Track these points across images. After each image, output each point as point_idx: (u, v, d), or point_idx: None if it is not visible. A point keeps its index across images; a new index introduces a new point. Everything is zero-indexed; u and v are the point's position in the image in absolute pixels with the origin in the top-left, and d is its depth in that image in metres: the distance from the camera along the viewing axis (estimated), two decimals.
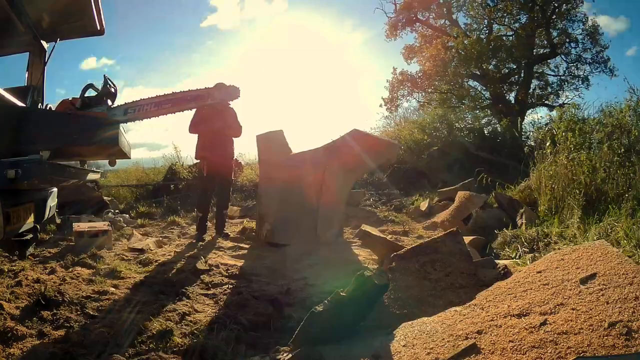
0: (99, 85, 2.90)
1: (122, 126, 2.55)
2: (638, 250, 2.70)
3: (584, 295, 1.56)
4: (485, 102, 13.45)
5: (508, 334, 1.52)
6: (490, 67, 12.91)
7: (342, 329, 1.88)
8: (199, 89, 3.19)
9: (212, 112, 4.44)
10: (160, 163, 9.48)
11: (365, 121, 26.28)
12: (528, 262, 2.89)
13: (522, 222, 4.29)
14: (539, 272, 1.80)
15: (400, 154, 8.60)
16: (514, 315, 1.60)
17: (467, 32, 13.26)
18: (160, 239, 4.61)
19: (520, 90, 12.84)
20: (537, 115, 11.90)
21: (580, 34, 12.69)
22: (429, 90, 13.92)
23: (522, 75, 13.08)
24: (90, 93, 2.91)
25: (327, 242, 4.02)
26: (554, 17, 12.47)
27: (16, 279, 2.80)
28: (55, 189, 3.02)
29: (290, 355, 1.78)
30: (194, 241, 4.40)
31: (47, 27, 3.08)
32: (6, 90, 2.30)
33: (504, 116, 10.79)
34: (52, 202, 2.98)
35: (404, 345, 1.67)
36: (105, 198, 6.78)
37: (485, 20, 13.31)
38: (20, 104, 2.43)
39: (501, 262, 2.77)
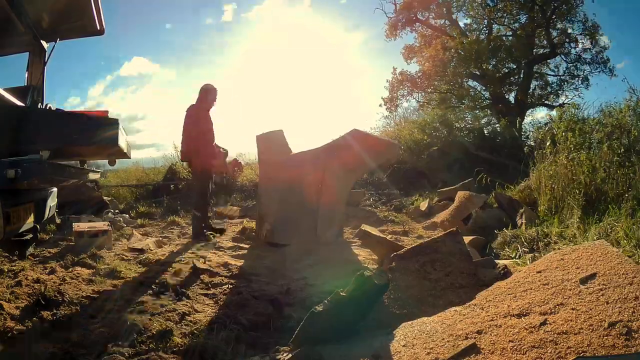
0: None
1: (122, 126, 2.55)
2: (638, 250, 2.70)
3: (584, 295, 1.56)
4: (485, 102, 13.46)
5: (508, 333, 1.52)
6: (490, 67, 12.92)
7: (342, 329, 1.88)
8: None
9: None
10: (160, 163, 9.48)
11: (365, 121, 26.28)
12: (528, 262, 2.89)
13: (522, 222, 4.29)
14: (539, 272, 1.80)
15: (400, 154, 8.59)
16: (514, 315, 1.60)
17: (467, 32, 13.29)
18: (160, 239, 4.61)
19: (520, 90, 12.85)
20: (537, 115, 11.92)
21: (580, 34, 12.71)
22: (429, 90, 13.93)
23: (522, 75, 13.08)
24: None
25: (327, 242, 4.02)
26: (553, 17, 12.48)
27: (16, 279, 2.80)
28: (55, 189, 3.02)
29: (290, 355, 1.78)
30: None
31: (47, 27, 3.07)
32: (6, 90, 2.30)
33: (503, 116, 10.80)
34: (52, 202, 2.98)
35: (404, 345, 1.67)
36: (105, 198, 6.78)
37: (485, 20, 13.33)
38: (20, 103, 2.43)
39: (501, 262, 2.77)
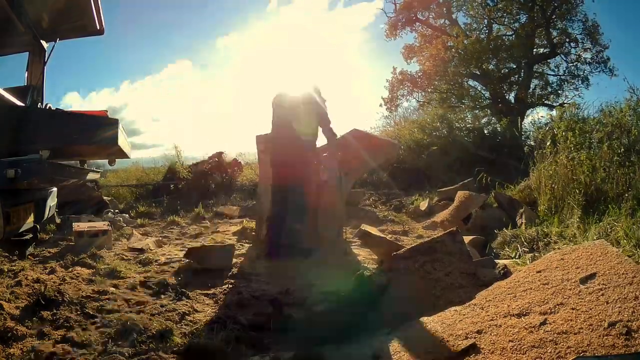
0: None
1: (122, 125, 2.55)
2: (638, 250, 2.70)
3: (584, 295, 1.56)
4: (485, 101, 13.46)
5: (508, 333, 1.52)
6: (490, 67, 12.93)
7: (342, 329, 1.88)
8: None
9: None
10: (160, 163, 9.48)
11: (365, 121, 26.25)
12: (528, 261, 2.89)
13: (521, 222, 4.29)
14: (539, 271, 1.80)
15: (400, 153, 8.59)
16: (513, 315, 1.61)
17: (467, 32, 13.27)
18: (160, 238, 4.61)
19: (520, 90, 12.85)
20: (537, 115, 11.89)
21: (580, 34, 12.71)
22: (429, 89, 13.93)
23: (522, 75, 13.09)
24: None
25: (327, 242, 4.02)
26: (553, 16, 12.48)
27: (16, 279, 2.80)
28: (55, 189, 3.02)
29: (290, 355, 1.78)
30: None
31: (47, 27, 3.07)
32: (6, 90, 2.30)
33: (503, 116, 10.80)
34: (52, 201, 2.98)
35: (403, 345, 1.67)
36: (105, 198, 6.78)
37: (485, 20, 13.33)
38: (19, 103, 2.43)
39: (501, 262, 2.76)
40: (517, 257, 3.31)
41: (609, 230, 3.16)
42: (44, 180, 2.38)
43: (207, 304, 2.59)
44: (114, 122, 2.46)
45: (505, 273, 2.40)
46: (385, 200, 7.08)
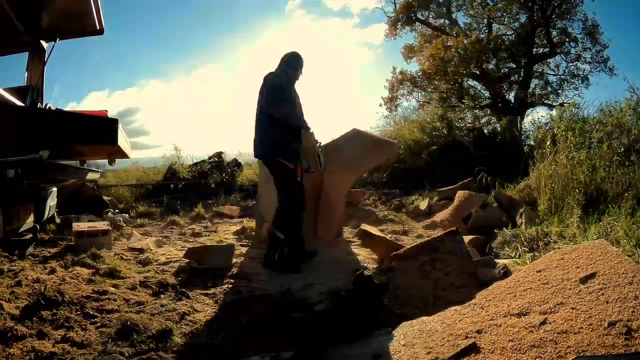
0: None
1: (121, 125, 2.55)
2: (638, 249, 2.70)
3: (584, 295, 1.56)
4: (485, 101, 13.46)
5: (508, 333, 1.52)
6: (490, 67, 12.92)
7: (342, 329, 1.88)
8: None
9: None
10: (160, 163, 9.48)
11: (365, 121, 26.30)
12: (528, 261, 2.89)
13: (521, 222, 4.29)
14: (539, 271, 1.80)
15: (400, 153, 8.60)
16: (513, 315, 1.61)
17: (467, 32, 13.27)
18: (160, 238, 4.61)
19: (519, 90, 12.84)
20: (537, 115, 11.90)
21: (580, 34, 12.71)
22: (429, 89, 13.92)
23: (522, 74, 13.08)
24: None
25: (327, 241, 4.02)
26: (553, 16, 12.47)
27: (16, 279, 2.80)
28: (54, 189, 3.02)
29: (290, 355, 1.78)
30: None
31: (47, 27, 3.08)
32: (6, 89, 2.30)
33: (503, 115, 10.79)
34: (52, 201, 2.99)
35: (403, 345, 1.67)
36: (104, 198, 6.78)
37: (485, 20, 13.31)
38: (19, 103, 2.43)
39: (501, 262, 2.77)
40: (517, 256, 3.31)
41: (609, 230, 3.17)
42: (44, 180, 2.38)
43: (207, 304, 2.59)
44: (114, 122, 2.46)
45: (505, 273, 2.41)
46: (385, 199, 7.08)
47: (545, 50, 13.03)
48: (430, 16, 14.09)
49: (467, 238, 3.47)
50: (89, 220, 4.92)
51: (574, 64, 12.99)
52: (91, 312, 2.36)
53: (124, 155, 3.01)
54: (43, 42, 3.10)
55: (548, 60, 13.16)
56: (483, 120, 12.45)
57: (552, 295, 1.63)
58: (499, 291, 1.80)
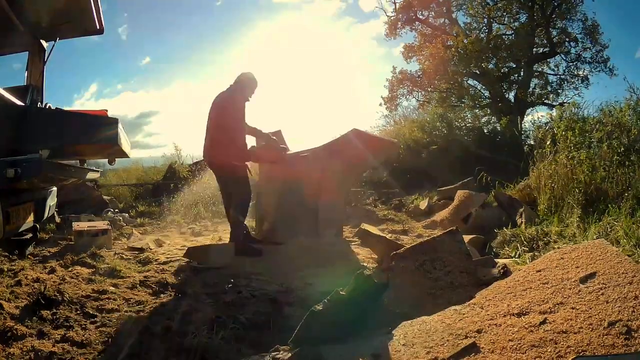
0: None
1: (121, 125, 2.55)
2: (638, 249, 2.70)
3: (584, 294, 1.56)
4: (485, 101, 13.47)
5: (508, 333, 1.52)
6: (489, 66, 12.93)
7: (342, 328, 1.88)
8: None
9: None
10: (160, 162, 9.48)
11: (365, 120, 26.26)
12: (527, 261, 2.90)
13: (521, 221, 4.29)
14: (539, 271, 1.80)
15: (400, 153, 8.60)
16: (513, 314, 1.61)
17: (467, 31, 13.27)
18: (160, 238, 4.61)
19: (519, 89, 12.85)
20: (537, 114, 11.91)
21: (580, 33, 12.71)
22: (429, 89, 13.93)
23: (522, 74, 13.09)
24: None
25: (326, 241, 4.02)
26: (553, 16, 12.47)
27: (16, 279, 2.80)
28: (54, 188, 3.02)
29: (289, 354, 1.78)
30: None
31: (46, 27, 3.07)
32: (6, 89, 2.30)
33: (503, 115, 10.81)
34: (52, 201, 2.98)
35: (403, 345, 1.67)
36: (105, 197, 6.78)
37: (485, 19, 13.31)
38: (19, 103, 2.43)
39: (501, 261, 2.77)
40: (516, 256, 3.31)
41: (609, 230, 3.17)
42: (43, 180, 2.38)
43: (207, 303, 2.59)
44: (114, 122, 2.46)
45: (505, 272, 2.40)
46: (385, 199, 7.08)
47: (545, 49, 13.04)
48: (430, 16, 14.10)
49: (467, 237, 3.47)
50: (89, 220, 4.92)
51: (574, 63, 13.02)
52: (91, 312, 2.37)
53: (124, 155, 3.00)
54: (43, 42, 3.09)
55: (548, 59, 13.19)
56: (483, 120, 12.47)
57: (552, 295, 1.63)
58: (498, 291, 1.80)
